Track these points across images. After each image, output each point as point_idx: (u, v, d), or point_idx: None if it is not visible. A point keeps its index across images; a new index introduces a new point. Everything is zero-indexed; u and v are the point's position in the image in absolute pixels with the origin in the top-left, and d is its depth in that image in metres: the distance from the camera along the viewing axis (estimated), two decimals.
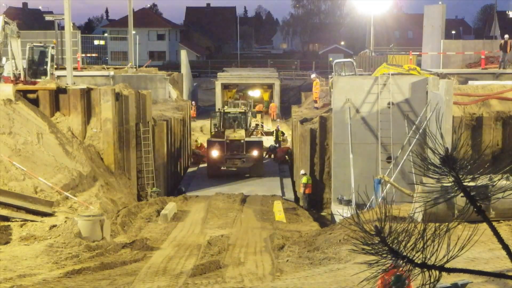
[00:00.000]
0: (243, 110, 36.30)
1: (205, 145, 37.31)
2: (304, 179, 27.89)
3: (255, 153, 33.07)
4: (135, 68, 41.16)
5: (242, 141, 32.92)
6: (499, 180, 2.97)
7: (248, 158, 32.88)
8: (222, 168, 33.62)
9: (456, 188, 2.73)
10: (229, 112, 35.61)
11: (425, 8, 42.22)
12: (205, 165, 36.01)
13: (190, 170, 37.71)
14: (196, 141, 40.71)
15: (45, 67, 28.17)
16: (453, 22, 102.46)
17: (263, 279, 13.28)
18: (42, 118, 23.90)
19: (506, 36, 34.52)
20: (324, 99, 36.11)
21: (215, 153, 32.86)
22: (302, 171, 28.54)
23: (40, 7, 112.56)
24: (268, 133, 44.43)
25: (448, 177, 2.76)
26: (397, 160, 24.17)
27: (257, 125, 42.82)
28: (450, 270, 2.69)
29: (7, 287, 12.44)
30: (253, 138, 35.71)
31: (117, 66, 43.71)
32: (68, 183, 21.49)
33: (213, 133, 36.47)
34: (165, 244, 18.66)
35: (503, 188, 2.90)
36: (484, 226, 3.18)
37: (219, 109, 38.82)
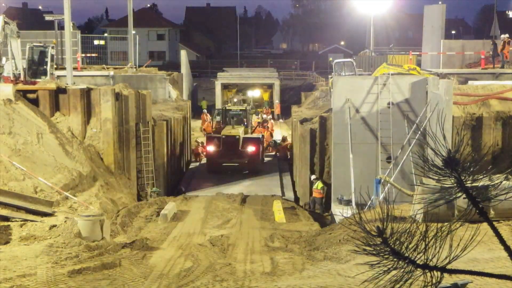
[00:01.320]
0: (244, 108, 38.31)
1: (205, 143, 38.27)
2: (319, 185, 27.06)
3: (250, 149, 33.77)
4: (135, 68, 41.12)
5: (238, 137, 34.09)
6: (500, 181, 2.97)
7: (243, 153, 33.65)
8: (223, 164, 33.94)
9: (458, 190, 2.72)
10: (230, 110, 37.94)
11: (425, 8, 42.24)
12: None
13: (192, 166, 38.21)
14: (196, 141, 40.85)
15: (45, 67, 28.17)
16: (453, 22, 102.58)
17: (263, 279, 13.26)
18: (42, 118, 23.89)
19: (504, 35, 34.58)
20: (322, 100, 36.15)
21: (211, 148, 34.13)
22: (313, 176, 27.85)
23: (40, 7, 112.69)
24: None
25: (450, 178, 2.76)
26: (397, 160, 24.16)
27: (263, 122, 44.77)
28: (452, 271, 2.68)
29: (7, 287, 12.43)
30: (251, 135, 36.64)
31: (117, 66, 43.65)
32: (68, 183, 21.49)
33: (215, 129, 38.55)
34: (165, 244, 18.65)
35: (505, 190, 2.89)
36: (484, 226, 3.18)
37: (224, 106, 41.30)
